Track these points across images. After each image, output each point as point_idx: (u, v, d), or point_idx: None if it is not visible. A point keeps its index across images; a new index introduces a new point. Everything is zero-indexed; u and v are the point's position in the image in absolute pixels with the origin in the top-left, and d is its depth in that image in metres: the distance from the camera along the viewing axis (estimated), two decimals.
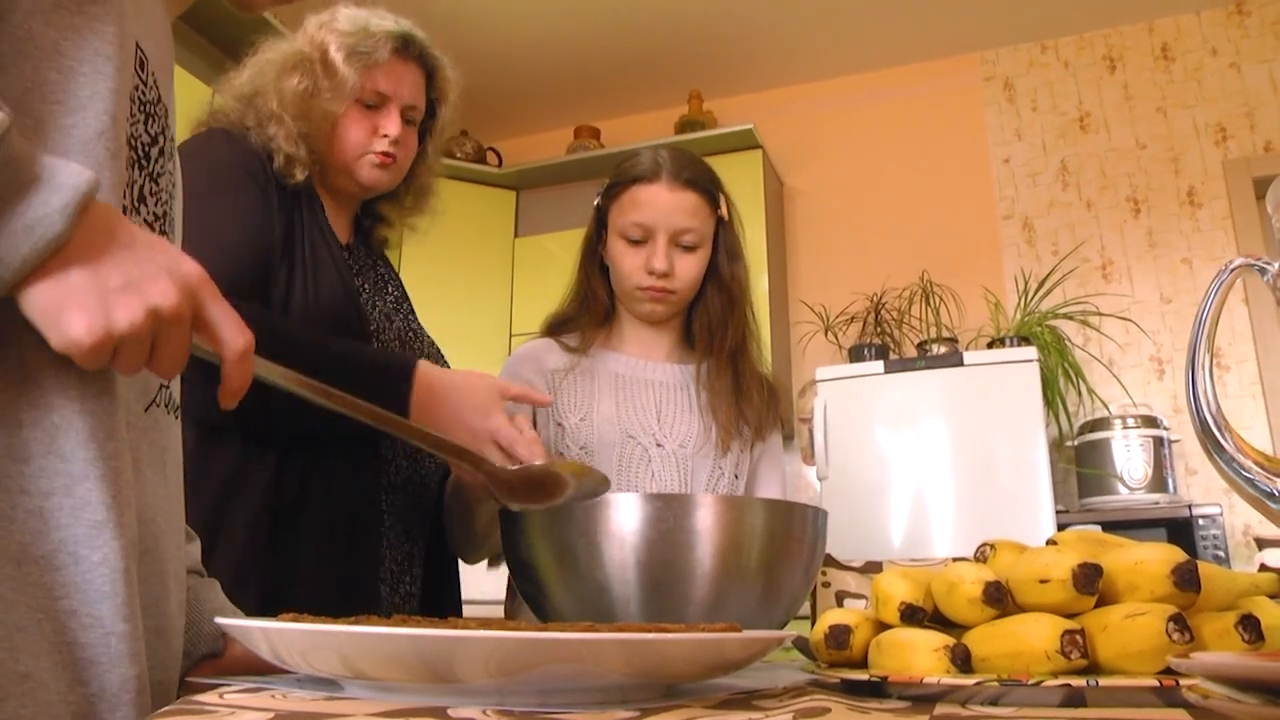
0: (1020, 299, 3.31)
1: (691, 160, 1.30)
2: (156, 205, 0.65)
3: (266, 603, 0.95)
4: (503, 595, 1.33)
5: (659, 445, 1.26)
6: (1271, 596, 0.61)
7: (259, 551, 1.00)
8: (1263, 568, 0.85)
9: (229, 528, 1.00)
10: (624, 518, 0.74)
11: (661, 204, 1.25)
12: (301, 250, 1.10)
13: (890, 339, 3.43)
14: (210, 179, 1.07)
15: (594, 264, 1.35)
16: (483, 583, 1.48)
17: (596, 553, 0.75)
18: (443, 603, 1.20)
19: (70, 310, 0.50)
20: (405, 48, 1.20)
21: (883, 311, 3.49)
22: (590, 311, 1.34)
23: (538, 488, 0.75)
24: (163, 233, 0.67)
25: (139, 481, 0.62)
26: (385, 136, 1.18)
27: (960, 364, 2.82)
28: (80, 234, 0.50)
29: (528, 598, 0.83)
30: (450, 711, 0.44)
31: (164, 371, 0.55)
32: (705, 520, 0.74)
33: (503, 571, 1.29)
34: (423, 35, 1.22)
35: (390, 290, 1.28)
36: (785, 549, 0.77)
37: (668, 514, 0.74)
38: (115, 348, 0.51)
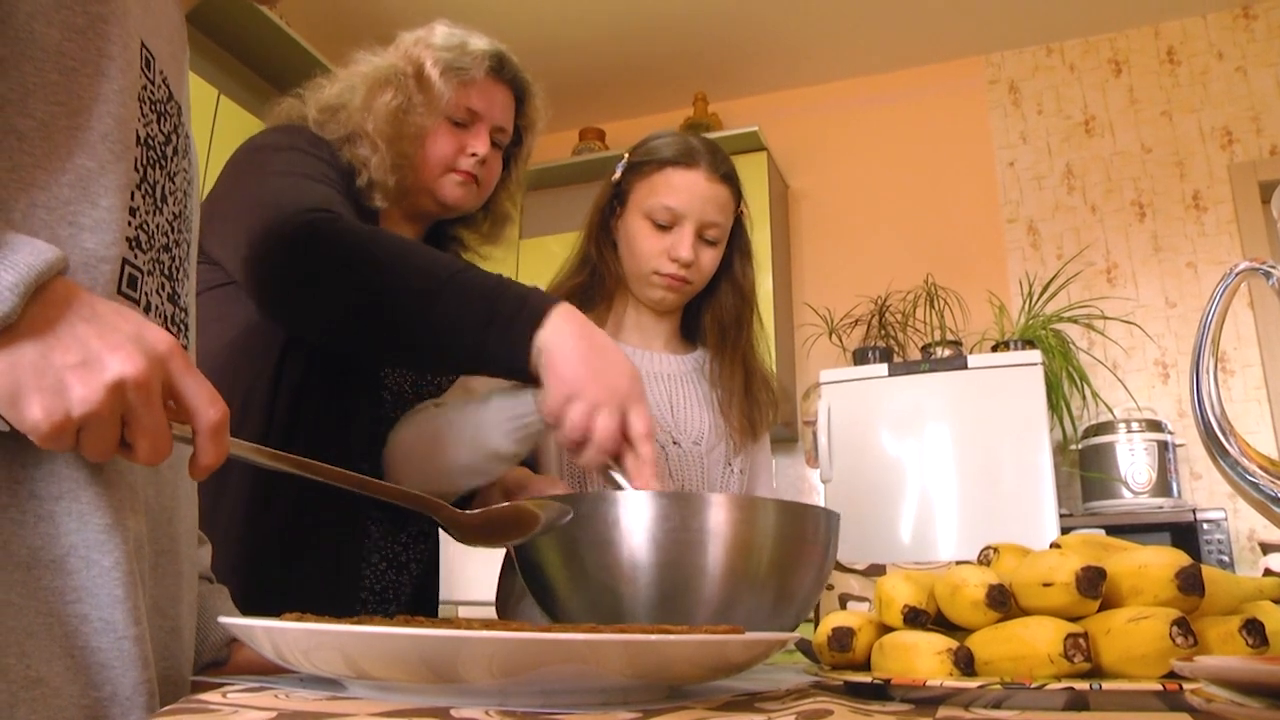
0: (1024, 302, 3.31)
1: (724, 154, 1.28)
2: (174, 204, 0.65)
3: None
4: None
5: (675, 443, 1.24)
6: (1276, 601, 0.61)
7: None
8: (1267, 572, 0.84)
9: (259, 530, 1.00)
10: (634, 517, 0.74)
11: (698, 192, 1.23)
12: None
13: (894, 342, 3.43)
14: (296, 151, 1.06)
15: (606, 238, 1.30)
16: (480, 584, 1.48)
17: (605, 553, 0.74)
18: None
19: (26, 392, 0.47)
20: (500, 68, 1.19)
21: (887, 314, 3.49)
22: (601, 289, 1.30)
23: (500, 528, 0.73)
24: (179, 232, 0.67)
25: (158, 483, 0.62)
26: (473, 155, 1.16)
27: (964, 367, 2.82)
28: (35, 311, 0.48)
29: (537, 597, 0.83)
30: (453, 712, 0.44)
31: (144, 456, 0.51)
32: (717, 520, 0.74)
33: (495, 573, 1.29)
34: (516, 59, 1.21)
35: None
36: (798, 551, 0.77)
37: (678, 513, 0.74)
38: (79, 428, 0.49)
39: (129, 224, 0.58)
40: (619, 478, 0.85)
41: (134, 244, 0.59)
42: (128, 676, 0.54)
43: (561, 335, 0.85)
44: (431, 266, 0.89)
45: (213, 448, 0.54)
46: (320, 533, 1.04)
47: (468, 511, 0.72)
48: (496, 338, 0.86)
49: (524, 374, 0.87)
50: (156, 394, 0.51)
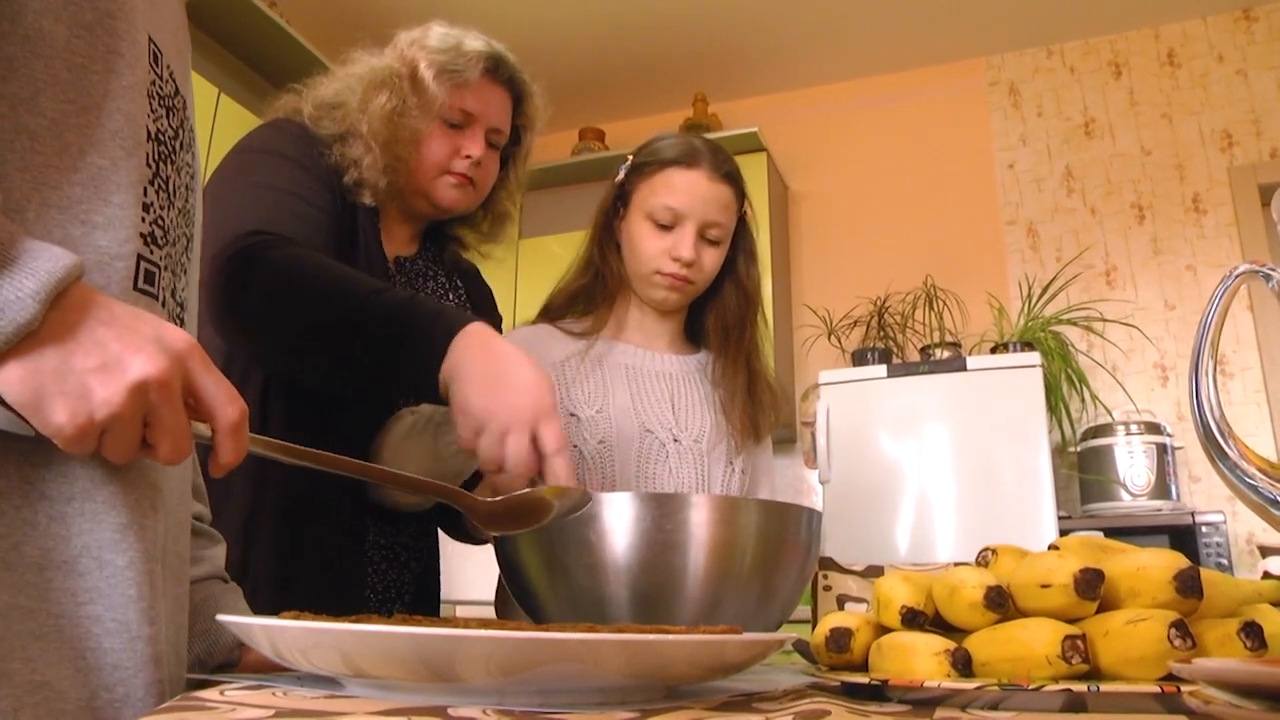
0: (1024, 304, 3.31)
1: (727, 154, 1.29)
2: (178, 199, 0.66)
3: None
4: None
5: (676, 440, 1.25)
6: (1275, 604, 0.61)
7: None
8: (1266, 575, 0.84)
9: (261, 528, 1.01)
10: (614, 518, 0.74)
11: (699, 192, 1.23)
12: (345, 261, 1.08)
13: (893, 343, 3.43)
14: (277, 156, 1.07)
15: (609, 240, 1.32)
16: (479, 584, 1.48)
17: (586, 554, 0.74)
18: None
19: (50, 397, 0.47)
20: (496, 69, 1.18)
21: (886, 315, 3.49)
22: (604, 289, 1.31)
23: (519, 514, 0.73)
24: (183, 227, 0.67)
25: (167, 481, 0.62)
26: (467, 157, 1.16)
27: (963, 369, 2.82)
28: (55, 317, 0.48)
29: (518, 599, 0.83)
30: (450, 711, 0.44)
31: (166, 456, 0.52)
32: (698, 520, 0.74)
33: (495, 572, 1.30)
34: (514, 59, 1.21)
35: (448, 300, 1.26)
36: (780, 550, 0.77)
37: (659, 514, 0.74)
38: (102, 430, 0.49)
39: (143, 220, 0.58)
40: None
41: (149, 240, 0.59)
42: (140, 678, 0.54)
43: (462, 365, 0.84)
44: (349, 294, 0.90)
45: (233, 445, 0.54)
46: (320, 532, 1.04)
47: (486, 499, 0.73)
48: (407, 368, 0.87)
49: (442, 401, 0.87)
50: (177, 393, 0.51)
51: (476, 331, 0.87)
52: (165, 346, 0.51)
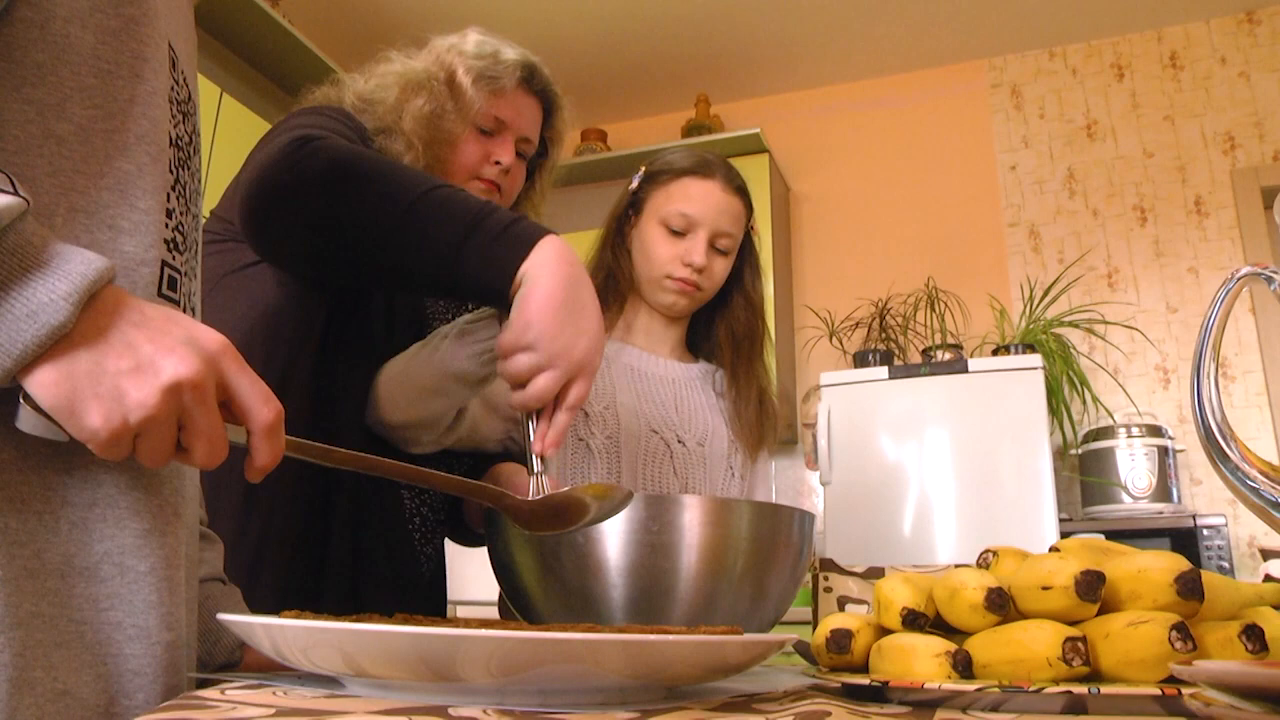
0: (1025, 306, 3.31)
1: (736, 169, 1.34)
2: (193, 205, 0.66)
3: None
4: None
5: (680, 443, 1.28)
6: (1276, 607, 0.61)
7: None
8: (1267, 579, 0.84)
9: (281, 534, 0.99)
10: (608, 519, 0.74)
11: (713, 201, 1.27)
12: None
13: (895, 345, 3.43)
14: (318, 114, 1.05)
15: (621, 245, 1.35)
16: (480, 584, 1.49)
17: (579, 555, 0.75)
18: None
19: (84, 400, 0.47)
20: (530, 79, 1.19)
21: (888, 317, 3.48)
22: (615, 291, 1.34)
23: (559, 514, 0.72)
24: (196, 230, 0.67)
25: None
26: (497, 164, 1.17)
27: (965, 371, 2.82)
28: (87, 319, 0.48)
29: (511, 600, 0.83)
30: (451, 710, 0.44)
31: (201, 458, 0.51)
32: (691, 522, 0.74)
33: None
34: (547, 71, 1.21)
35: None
36: (771, 551, 0.77)
37: (653, 515, 0.74)
38: (136, 434, 0.48)
39: (166, 225, 0.58)
40: (530, 430, 0.81)
41: (172, 245, 0.59)
42: (159, 683, 0.54)
43: (546, 272, 0.80)
44: (412, 181, 0.86)
45: (268, 447, 0.53)
46: (374, 535, 1.05)
47: (526, 499, 0.72)
48: (475, 256, 0.81)
49: (502, 299, 0.82)
50: (211, 395, 0.51)
51: (562, 246, 0.82)
52: (198, 347, 0.50)
